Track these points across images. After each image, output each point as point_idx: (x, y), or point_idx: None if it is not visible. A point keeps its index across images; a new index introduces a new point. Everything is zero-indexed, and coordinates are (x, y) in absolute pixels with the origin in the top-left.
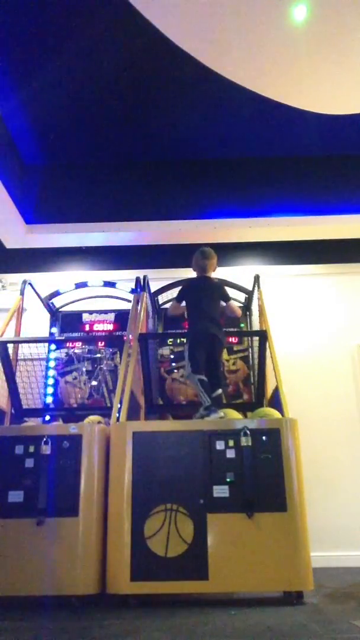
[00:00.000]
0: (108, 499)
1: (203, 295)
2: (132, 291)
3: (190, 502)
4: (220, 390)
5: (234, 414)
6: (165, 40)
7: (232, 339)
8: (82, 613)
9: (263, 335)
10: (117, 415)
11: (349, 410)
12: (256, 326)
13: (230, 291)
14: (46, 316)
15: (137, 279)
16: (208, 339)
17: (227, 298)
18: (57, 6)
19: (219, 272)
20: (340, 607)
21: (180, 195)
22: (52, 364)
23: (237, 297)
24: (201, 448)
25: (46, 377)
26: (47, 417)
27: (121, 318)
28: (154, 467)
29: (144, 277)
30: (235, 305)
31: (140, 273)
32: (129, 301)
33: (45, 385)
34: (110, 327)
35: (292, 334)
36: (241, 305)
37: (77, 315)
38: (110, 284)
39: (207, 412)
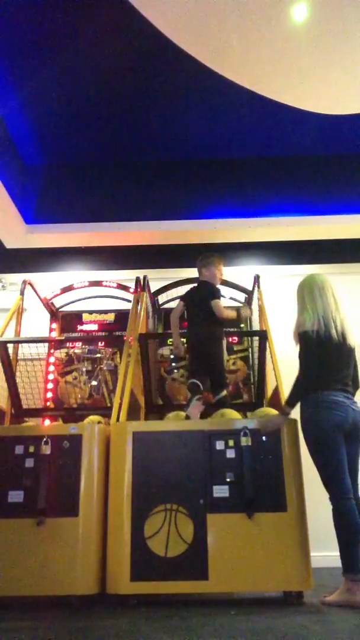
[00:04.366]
0: (108, 499)
1: (191, 302)
2: (132, 291)
3: (190, 502)
4: (224, 392)
5: (233, 414)
6: (165, 40)
7: (232, 339)
8: (82, 613)
9: (263, 335)
10: (117, 415)
11: None
12: (256, 326)
13: (230, 291)
14: (46, 316)
15: (137, 279)
16: (197, 344)
17: (211, 296)
18: (56, 6)
19: None
20: (340, 607)
21: (180, 195)
22: (52, 364)
23: (237, 297)
24: (201, 448)
25: (46, 377)
26: (47, 417)
27: (121, 318)
28: (154, 467)
29: (144, 277)
30: (218, 305)
31: (140, 273)
32: (129, 301)
33: (46, 385)
34: (110, 327)
35: (292, 334)
36: (241, 304)
37: (77, 315)
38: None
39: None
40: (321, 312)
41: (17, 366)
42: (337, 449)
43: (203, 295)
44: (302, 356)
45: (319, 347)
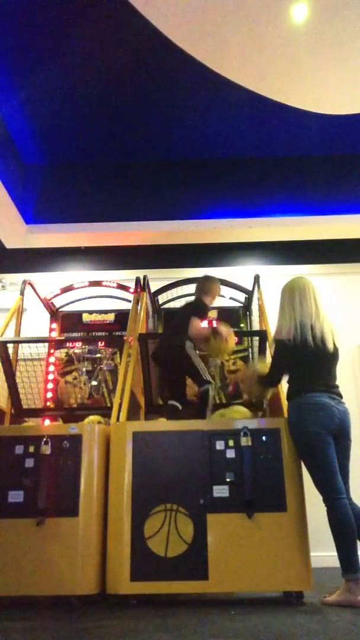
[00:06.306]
0: (108, 499)
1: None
2: (132, 291)
3: (190, 502)
4: (206, 386)
5: (241, 411)
6: (165, 40)
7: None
8: (82, 613)
9: (263, 335)
10: (117, 415)
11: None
12: (256, 326)
13: (231, 291)
14: (46, 316)
15: (137, 279)
16: (163, 357)
17: (193, 313)
18: (57, 6)
19: (219, 273)
20: (341, 607)
21: (180, 195)
22: (52, 364)
23: (237, 297)
24: (201, 448)
25: (46, 377)
26: (47, 417)
27: (121, 318)
28: (154, 467)
29: (144, 277)
30: (195, 323)
31: (140, 273)
32: (129, 301)
33: (46, 385)
34: (110, 327)
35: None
36: (241, 304)
37: (77, 315)
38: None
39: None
40: (299, 318)
41: (17, 366)
42: (325, 449)
43: (187, 310)
44: (273, 360)
45: (296, 353)
